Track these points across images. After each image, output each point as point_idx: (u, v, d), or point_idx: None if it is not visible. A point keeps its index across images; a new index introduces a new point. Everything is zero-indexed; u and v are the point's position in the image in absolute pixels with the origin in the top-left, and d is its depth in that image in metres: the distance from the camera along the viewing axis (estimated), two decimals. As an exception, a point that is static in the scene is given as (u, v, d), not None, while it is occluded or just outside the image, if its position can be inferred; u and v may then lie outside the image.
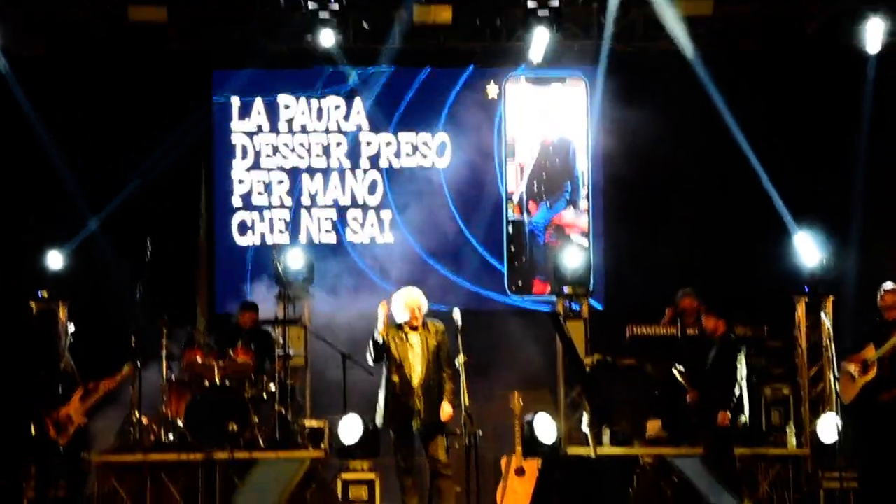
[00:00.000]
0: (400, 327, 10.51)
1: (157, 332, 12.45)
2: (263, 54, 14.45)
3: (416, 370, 10.36)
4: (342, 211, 15.08)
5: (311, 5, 13.62)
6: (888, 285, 11.26)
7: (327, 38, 13.89)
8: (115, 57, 14.24)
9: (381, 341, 10.34)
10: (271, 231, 14.99)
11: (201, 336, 13.40)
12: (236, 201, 14.98)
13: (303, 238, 14.92)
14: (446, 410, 10.34)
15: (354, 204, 15.07)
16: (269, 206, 15.03)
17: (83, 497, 11.47)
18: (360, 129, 15.10)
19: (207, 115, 14.89)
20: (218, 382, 12.19)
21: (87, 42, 14.11)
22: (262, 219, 15.00)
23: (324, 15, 13.67)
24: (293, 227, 15.01)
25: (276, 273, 13.27)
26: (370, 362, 10.56)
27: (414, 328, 10.46)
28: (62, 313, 12.58)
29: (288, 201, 15.05)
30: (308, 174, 15.08)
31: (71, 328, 11.28)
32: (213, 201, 14.90)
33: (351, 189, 15.10)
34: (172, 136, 14.26)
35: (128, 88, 14.39)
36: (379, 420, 10.58)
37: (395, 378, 10.40)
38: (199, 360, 12.34)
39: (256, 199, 15.02)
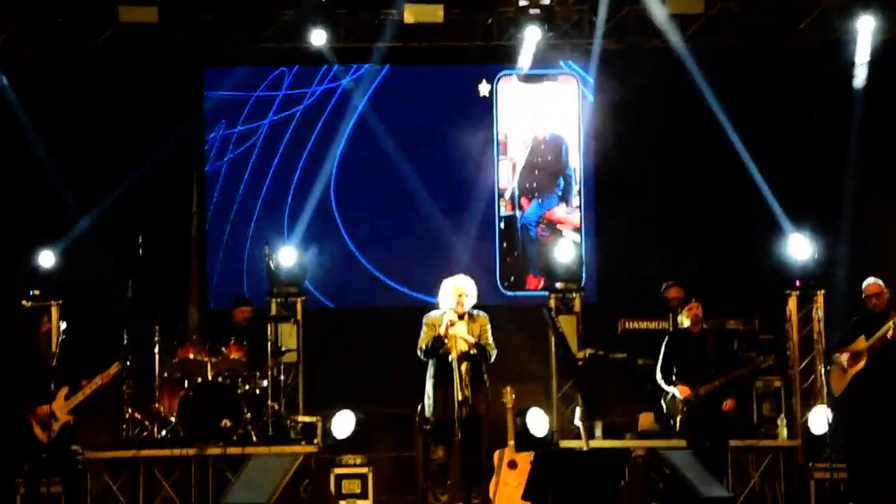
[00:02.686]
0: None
1: (150, 329, 12.51)
2: (255, 52, 14.49)
3: (458, 362, 10.36)
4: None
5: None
6: (868, 281, 11.36)
7: (318, 37, 13.94)
8: (105, 56, 14.23)
9: (443, 340, 10.39)
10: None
11: (194, 332, 13.45)
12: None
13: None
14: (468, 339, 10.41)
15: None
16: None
17: (80, 492, 11.40)
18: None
19: (199, 113, 14.89)
20: (210, 378, 12.20)
21: (77, 41, 14.09)
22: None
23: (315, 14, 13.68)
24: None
25: (268, 270, 13.34)
26: (421, 354, 10.59)
27: (461, 316, 10.49)
28: (54, 312, 12.57)
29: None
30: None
31: (62, 326, 11.24)
32: (205, 198, 14.91)
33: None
34: (164, 134, 14.23)
35: (119, 87, 14.38)
36: (430, 412, 10.62)
37: (440, 368, 10.48)
38: (191, 356, 12.36)
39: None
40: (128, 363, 11.72)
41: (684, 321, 11.63)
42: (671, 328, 12.63)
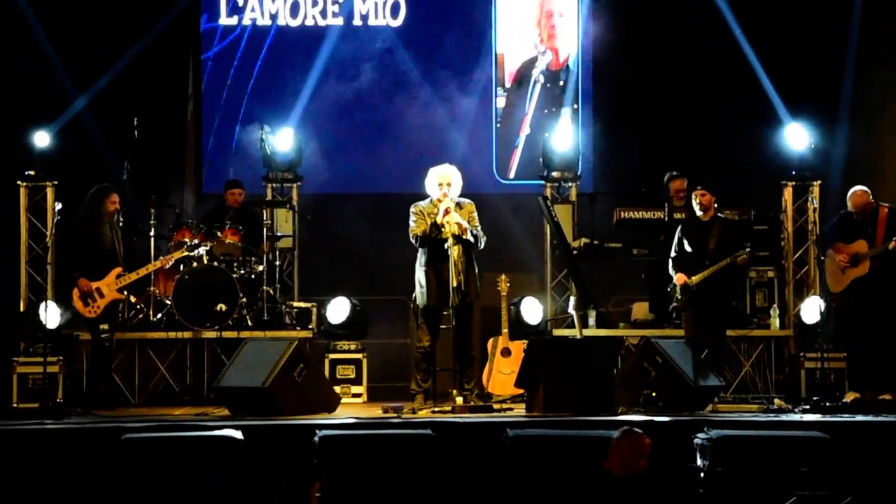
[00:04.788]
0: (434, 205, 10.65)
1: (146, 212, 12.50)
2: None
3: (452, 247, 10.43)
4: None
5: None
6: (856, 190, 11.20)
7: None
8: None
9: (439, 228, 10.49)
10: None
11: (190, 216, 13.42)
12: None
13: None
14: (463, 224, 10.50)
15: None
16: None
17: (103, 370, 11.41)
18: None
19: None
20: (206, 262, 12.22)
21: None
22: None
23: None
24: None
25: (263, 155, 13.27)
26: (416, 242, 10.68)
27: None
28: (49, 193, 12.54)
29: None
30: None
31: (58, 207, 11.18)
32: (201, 81, 14.77)
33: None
34: (161, 13, 14.06)
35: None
36: (421, 300, 10.72)
37: (433, 255, 10.57)
38: (187, 239, 12.35)
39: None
40: (193, 253, 11.82)
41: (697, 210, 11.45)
42: (666, 219, 12.58)
